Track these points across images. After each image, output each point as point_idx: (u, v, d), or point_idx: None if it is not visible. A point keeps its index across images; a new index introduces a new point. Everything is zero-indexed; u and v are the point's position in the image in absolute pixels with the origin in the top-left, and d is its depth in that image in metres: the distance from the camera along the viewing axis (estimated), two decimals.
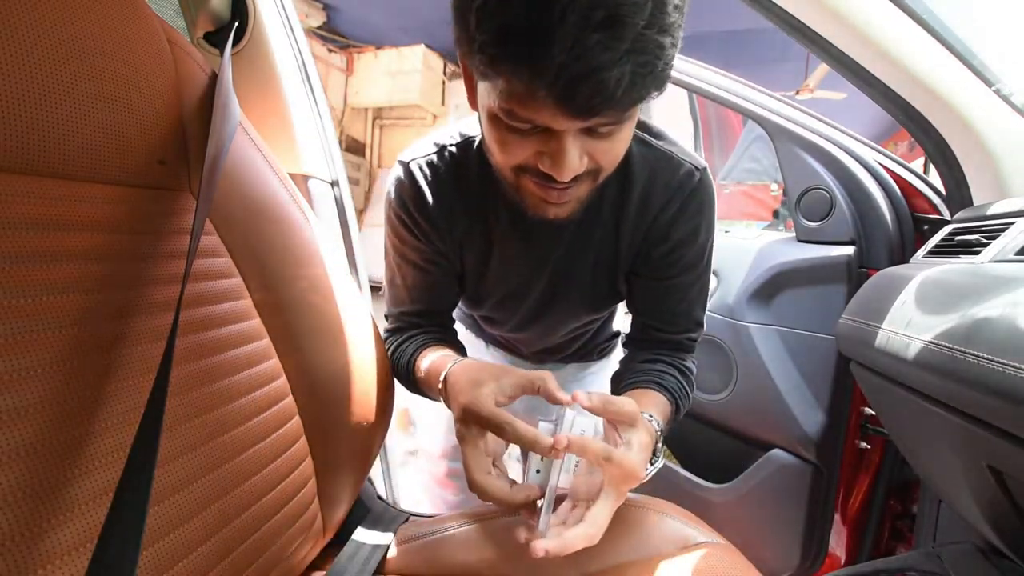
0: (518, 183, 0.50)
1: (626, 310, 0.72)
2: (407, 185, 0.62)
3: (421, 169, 0.62)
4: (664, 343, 0.67)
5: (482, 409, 0.46)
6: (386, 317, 0.73)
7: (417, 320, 0.70)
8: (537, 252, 0.64)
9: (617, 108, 0.39)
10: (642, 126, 0.61)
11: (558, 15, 0.34)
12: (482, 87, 0.44)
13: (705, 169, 0.60)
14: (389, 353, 0.68)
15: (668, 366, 0.64)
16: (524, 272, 0.66)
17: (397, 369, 0.66)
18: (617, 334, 0.92)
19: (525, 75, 0.38)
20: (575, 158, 0.43)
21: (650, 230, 0.61)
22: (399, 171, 0.63)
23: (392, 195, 0.64)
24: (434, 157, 0.62)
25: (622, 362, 0.70)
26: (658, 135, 0.61)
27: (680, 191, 0.59)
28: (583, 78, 0.36)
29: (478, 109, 0.48)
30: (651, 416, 0.54)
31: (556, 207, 0.50)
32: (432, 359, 0.60)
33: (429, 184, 0.61)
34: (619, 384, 0.66)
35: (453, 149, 0.62)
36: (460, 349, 0.70)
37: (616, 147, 0.46)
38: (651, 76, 0.38)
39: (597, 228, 0.62)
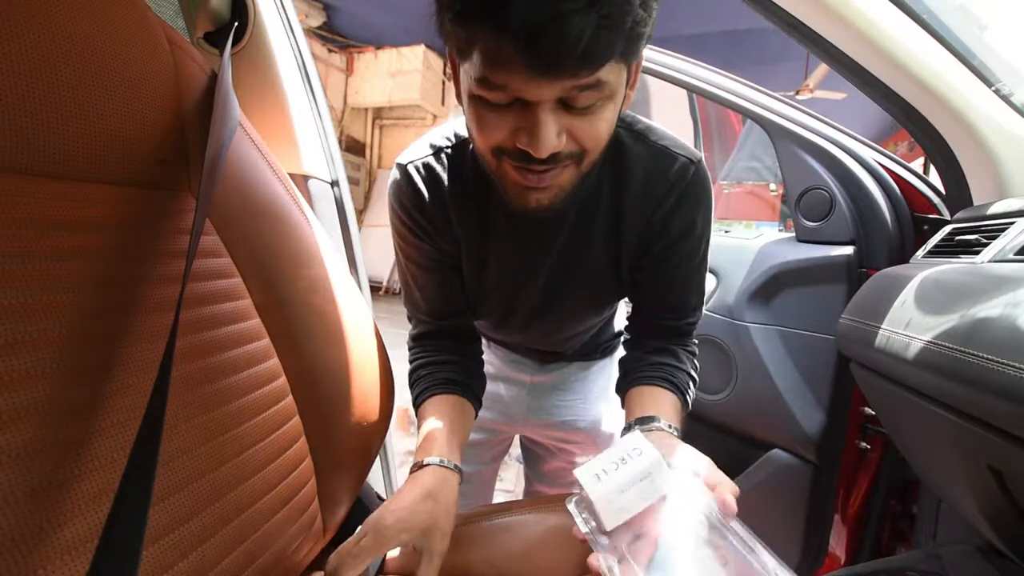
0: (499, 170, 0.49)
1: (628, 303, 0.73)
2: (405, 187, 0.63)
3: (418, 171, 0.62)
4: (667, 330, 0.68)
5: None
6: (409, 319, 0.74)
7: (438, 324, 0.69)
8: (534, 254, 0.64)
9: (582, 64, 0.39)
10: (635, 123, 0.61)
11: None
12: (463, 72, 0.45)
13: (700, 160, 0.60)
14: (409, 363, 0.70)
15: (676, 359, 0.66)
16: (521, 274, 0.66)
17: (412, 387, 0.68)
18: (620, 333, 0.92)
19: (490, 28, 0.38)
20: (551, 132, 0.43)
21: (649, 225, 0.61)
22: (396, 174, 0.64)
23: (392, 198, 0.65)
24: (431, 159, 0.62)
25: (629, 346, 0.71)
26: (650, 130, 0.61)
27: (676, 184, 0.59)
28: (543, 28, 0.36)
29: (463, 102, 0.49)
30: (669, 425, 0.57)
31: (537, 193, 0.49)
32: (428, 429, 0.59)
33: (427, 185, 0.62)
34: (630, 373, 0.67)
35: (449, 151, 0.62)
36: (468, 392, 0.67)
37: (597, 127, 0.46)
38: (616, 32, 0.38)
39: (597, 229, 0.62)
